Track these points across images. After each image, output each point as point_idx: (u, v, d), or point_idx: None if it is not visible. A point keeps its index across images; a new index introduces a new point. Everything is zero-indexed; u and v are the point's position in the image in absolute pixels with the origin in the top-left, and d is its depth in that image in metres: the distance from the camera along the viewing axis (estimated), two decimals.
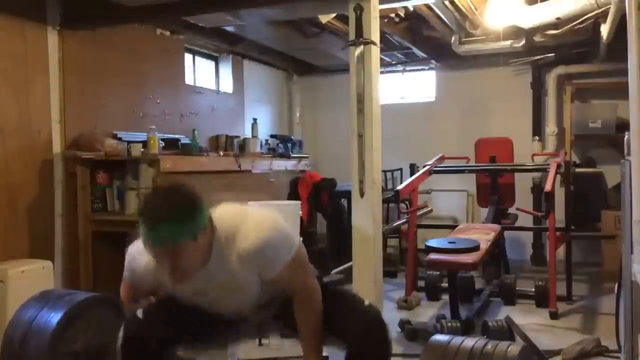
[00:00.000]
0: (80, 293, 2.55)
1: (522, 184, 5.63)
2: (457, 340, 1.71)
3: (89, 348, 2.22)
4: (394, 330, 3.66)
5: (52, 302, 2.27)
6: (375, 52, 3.38)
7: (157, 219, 1.65)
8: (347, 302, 2.05)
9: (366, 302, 2.03)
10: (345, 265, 3.44)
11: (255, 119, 5.60)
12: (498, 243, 4.51)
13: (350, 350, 1.96)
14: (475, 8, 4.71)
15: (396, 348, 3.48)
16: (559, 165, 4.42)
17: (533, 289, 4.30)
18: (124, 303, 2.10)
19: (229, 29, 5.13)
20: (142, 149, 4.01)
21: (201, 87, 5.58)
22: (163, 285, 1.92)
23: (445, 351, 1.66)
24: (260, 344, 3.32)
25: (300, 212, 4.16)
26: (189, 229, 1.69)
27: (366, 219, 3.39)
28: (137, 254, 1.93)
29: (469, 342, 1.70)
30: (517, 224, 5.18)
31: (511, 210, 5.12)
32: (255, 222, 1.85)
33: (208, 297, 1.94)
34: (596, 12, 4.17)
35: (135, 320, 1.95)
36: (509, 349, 1.62)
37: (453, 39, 5.43)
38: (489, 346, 1.65)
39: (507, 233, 4.95)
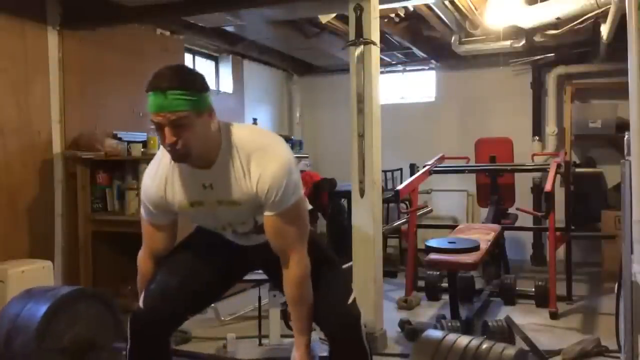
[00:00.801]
0: (65, 287, 2.49)
1: (522, 184, 5.62)
2: (452, 337, 1.63)
3: (77, 342, 2.16)
4: (394, 330, 3.66)
5: (36, 298, 2.20)
6: (375, 52, 3.38)
7: (165, 84, 1.71)
8: (330, 292, 1.99)
9: (349, 300, 1.99)
10: (345, 265, 3.44)
11: (255, 119, 5.61)
12: (498, 243, 4.50)
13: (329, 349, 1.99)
14: (475, 8, 4.70)
15: (396, 348, 3.48)
16: (559, 165, 4.42)
17: (533, 289, 4.30)
18: (142, 273, 2.05)
19: (229, 29, 5.14)
20: (142, 149, 4.01)
21: None
22: (173, 205, 1.90)
23: (437, 348, 1.59)
24: (260, 344, 3.34)
25: None
26: (195, 99, 1.71)
27: (366, 219, 3.40)
28: (148, 178, 1.94)
29: (464, 340, 1.63)
30: (517, 224, 5.18)
31: (511, 210, 5.12)
32: (275, 150, 1.83)
33: (203, 209, 1.90)
34: (596, 12, 4.16)
35: (138, 315, 1.95)
36: (503, 351, 1.55)
37: (453, 39, 5.43)
38: (484, 346, 1.58)
39: (507, 233, 4.95)
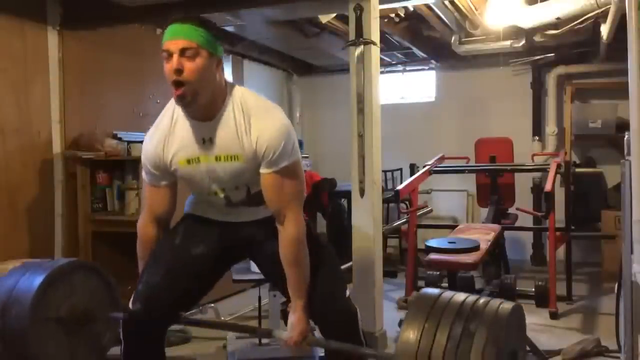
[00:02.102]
0: (62, 259, 2.49)
1: (522, 184, 5.63)
2: (448, 293, 1.64)
3: (73, 313, 2.18)
4: (394, 330, 3.66)
5: (33, 269, 2.20)
6: (375, 52, 3.38)
7: (185, 20, 1.82)
8: (327, 288, 1.99)
9: (346, 295, 2.01)
10: (345, 265, 3.44)
11: None
12: (498, 243, 4.50)
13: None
14: (475, 8, 4.70)
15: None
16: (559, 165, 4.42)
17: (533, 289, 4.29)
18: (142, 239, 2.06)
19: (229, 29, 5.13)
20: None
21: None
22: (170, 162, 1.93)
23: (434, 303, 1.59)
24: (260, 344, 3.34)
25: None
26: (209, 39, 1.80)
27: (366, 219, 3.40)
28: (148, 137, 2.01)
29: (460, 296, 1.64)
30: (517, 224, 5.18)
31: (511, 210, 5.12)
32: (276, 113, 1.90)
33: (199, 167, 1.91)
34: (596, 12, 4.16)
35: (129, 317, 1.95)
36: (500, 306, 1.57)
37: (453, 39, 5.43)
38: (481, 301, 1.60)
39: (507, 233, 4.94)
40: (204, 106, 1.83)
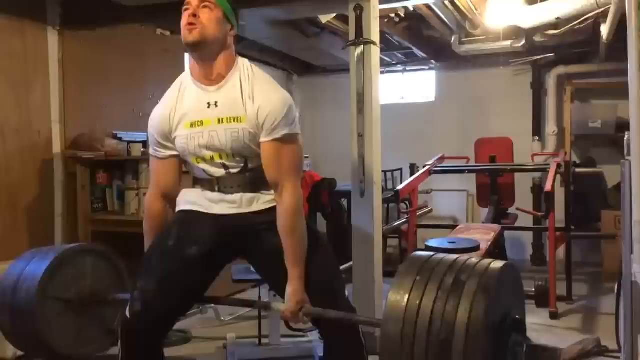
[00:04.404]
0: (72, 244, 2.57)
1: (522, 184, 5.62)
2: (440, 255, 1.65)
3: (82, 296, 2.22)
4: None
5: (44, 252, 2.30)
6: (375, 52, 3.38)
7: None
8: (327, 288, 2.00)
9: (346, 295, 2.03)
10: (346, 265, 3.45)
11: None
12: (498, 243, 4.50)
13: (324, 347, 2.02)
14: (475, 8, 4.70)
15: None
16: (559, 165, 4.42)
17: (533, 289, 4.29)
18: (149, 215, 2.08)
19: None
20: (142, 149, 4.01)
21: None
22: (174, 126, 1.98)
23: (425, 262, 1.59)
24: (260, 344, 3.34)
25: None
26: (227, 6, 2.00)
27: (366, 219, 3.40)
28: (157, 105, 2.06)
29: (452, 256, 1.65)
30: (517, 224, 5.17)
31: (511, 210, 5.12)
32: (280, 88, 2.03)
33: (201, 130, 1.95)
34: (596, 12, 4.16)
35: (127, 323, 1.94)
36: (492, 264, 1.57)
37: (453, 39, 5.43)
38: (473, 260, 1.60)
39: (507, 233, 4.94)
40: (210, 61, 1.95)
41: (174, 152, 2.03)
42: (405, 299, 1.50)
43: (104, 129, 4.25)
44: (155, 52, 4.78)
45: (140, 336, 1.94)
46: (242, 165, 1.98)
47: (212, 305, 3.93)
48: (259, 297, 3.38)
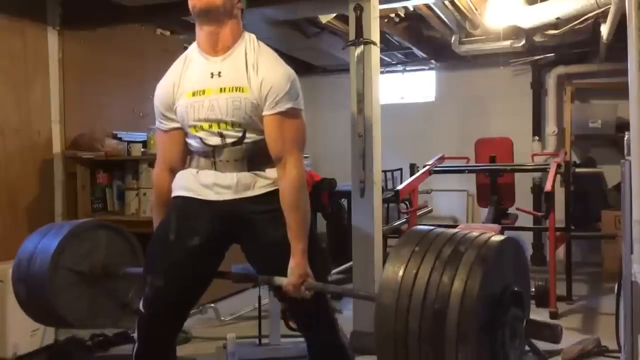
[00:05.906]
0: (89, 219, 2.63)
1: (522, 184, 5.62)
2: (439, 229, 1.62)
3: (95, 269, 2.26)
4: None
5: (58, 226, 2.35)
6: (375, 52, 3.38)
7: None
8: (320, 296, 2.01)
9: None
10: (345, 265, 3.45)
11: None
12: None
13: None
14: (475, 8, 4.70)
15: None
16: (559, 165, 4.42)
17: (533, 289, 4.30)
18: (157, 189, 2.10)
19: None
20: (142, 149, 4.01)
21: None
22: (177, 96, 1.99)
23: (425, 235, 1.57)
24: (260, 344, 3.34)
25: None
26: None
27: (366, 219, 3.40)
28: (163, 77, 2.07)
29: (451, 230, 1.62)
30: (517, 224, 5.17)
31: (511, 210, 5.12)
32: (285, 64, 2.02)
33: (203, 100, 1.94)
34: (596, 12, 4.16)
35: (142, 319, 1.98)
36: (491, 237, 1.53)
37: (453, 39, 5.43)
38: (472, 234, 1.56)
39: (507, 233, 4.94)
40: (216, 30, 1.94)
41: (178, 125, 2.03)
42: (402, 270, 1.47)
43: (104, 129, 4.25)
44: (155, 52, 4.77)
45: (157, 329, 1.98)
46: (240, 135, 1.95)
47: (212, 305, 3.94)
48: (259, 297, 3.38)
